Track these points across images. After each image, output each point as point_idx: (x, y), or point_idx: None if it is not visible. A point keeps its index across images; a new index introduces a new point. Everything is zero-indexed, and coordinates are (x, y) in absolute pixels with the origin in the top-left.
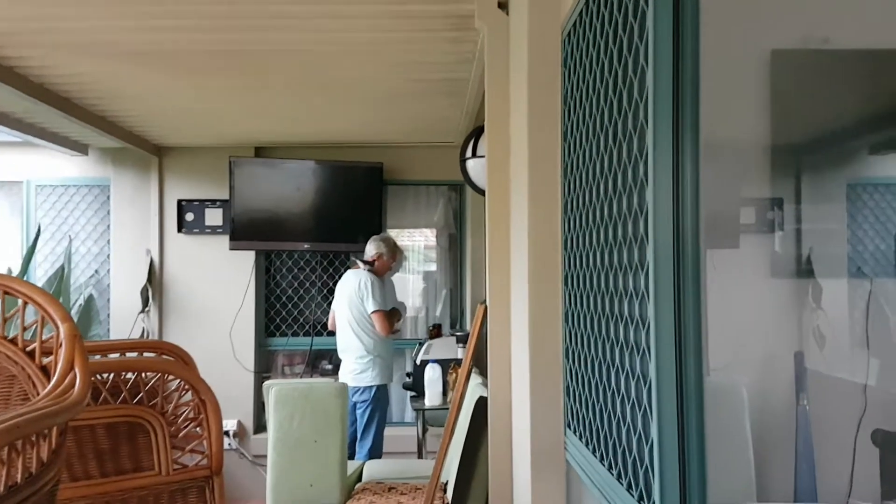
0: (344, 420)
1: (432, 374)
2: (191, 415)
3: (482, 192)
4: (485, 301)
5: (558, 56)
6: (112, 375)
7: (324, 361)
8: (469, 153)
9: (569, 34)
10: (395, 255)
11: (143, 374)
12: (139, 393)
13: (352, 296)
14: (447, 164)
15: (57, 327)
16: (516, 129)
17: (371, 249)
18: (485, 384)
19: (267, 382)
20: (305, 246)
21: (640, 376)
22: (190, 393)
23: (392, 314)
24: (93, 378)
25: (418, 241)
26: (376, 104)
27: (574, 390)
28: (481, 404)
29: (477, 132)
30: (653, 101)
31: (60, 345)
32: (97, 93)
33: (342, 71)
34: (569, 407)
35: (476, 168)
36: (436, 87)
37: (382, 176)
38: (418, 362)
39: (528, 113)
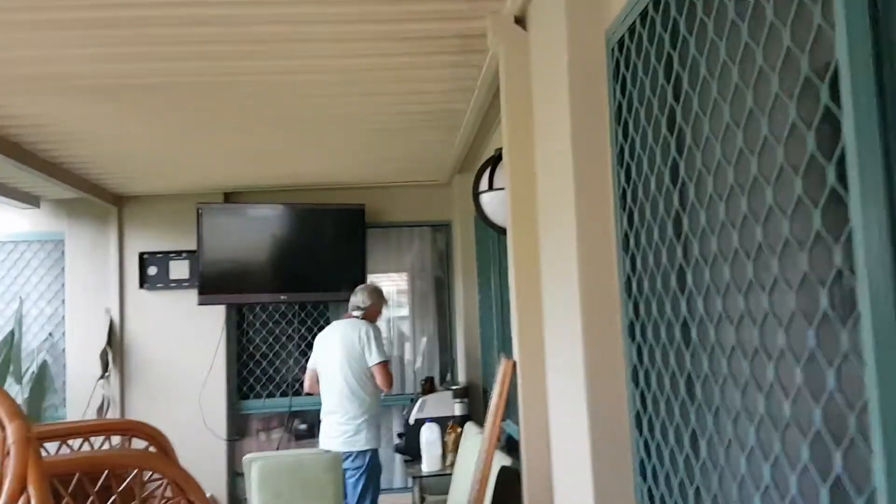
0: (339, 497)
1: (430, 436)
2: None
3: (500, 231)
4: (510, 356)
5: (603, 69)
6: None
7: (296, 421)
8: (485, 185)
9: (620, 41)
10: (382, 304)
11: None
12: (111, 496)
13: (351, 349)
14: (433, 204)
15: (3, 428)
16: (546, 156)
17: (365, 300)
18: (501, 450)
19: (247, 457)
20: (282, 297)
21: (811, 468)
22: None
23: None
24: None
25: (390, 287)
26: (360, 141)
27: (655, 468)
28: (506, 476)
29: (493, 162)
30: (851, 94)
31: (7, 452)
32: (50, 136)
33: (324, 105)
34: (645, 488)
35: (493, 203)
36: (427, 120)
37: (364, 219)
38: (411, 421)
39: (570, 135)
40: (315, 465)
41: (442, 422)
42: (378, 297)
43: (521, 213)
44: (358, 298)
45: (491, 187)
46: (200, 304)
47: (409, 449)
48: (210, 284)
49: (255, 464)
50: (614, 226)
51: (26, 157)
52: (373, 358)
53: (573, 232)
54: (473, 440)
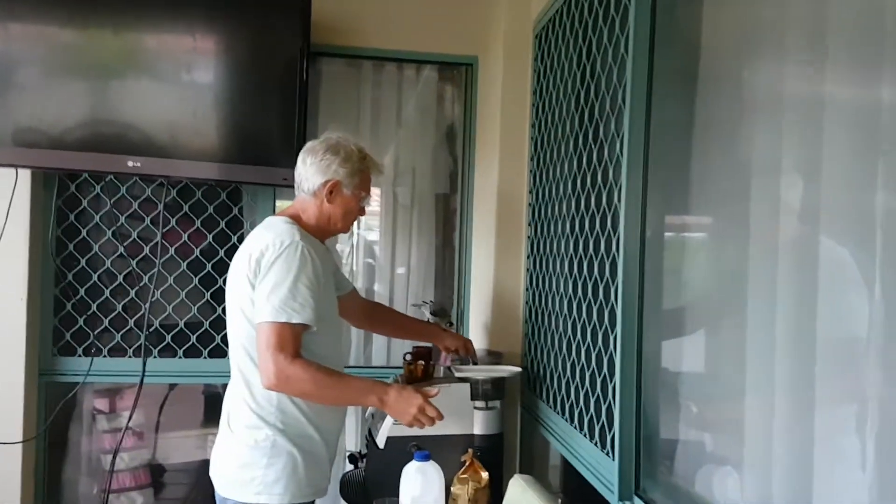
0: None
1: (424, 484)
2: None
3: None
4: None
5: None
6: None
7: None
8: None
9: None
10: (365, 179)
11: None
12: None
13: (241, 285)
14: (444, 20)
15: None
16: None
17: (312, 173)
18: None
19: None
20: (131, 164)
21: None
22: None
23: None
24: None
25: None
26: None
27: None
28: None
29: None
30: None
31: None
32: None
33: None
34: None
35: None
36: None
37: (309, 17)
38: (381, 442)
39: None
40: None
41: (444, 447)
42: (346, 167)
43: None
44: (299, 171)
45: None
46: None
47: (372, 493)
48: None
49: None
50: None
51: None
52: (260, 309)
53: None
54: None
